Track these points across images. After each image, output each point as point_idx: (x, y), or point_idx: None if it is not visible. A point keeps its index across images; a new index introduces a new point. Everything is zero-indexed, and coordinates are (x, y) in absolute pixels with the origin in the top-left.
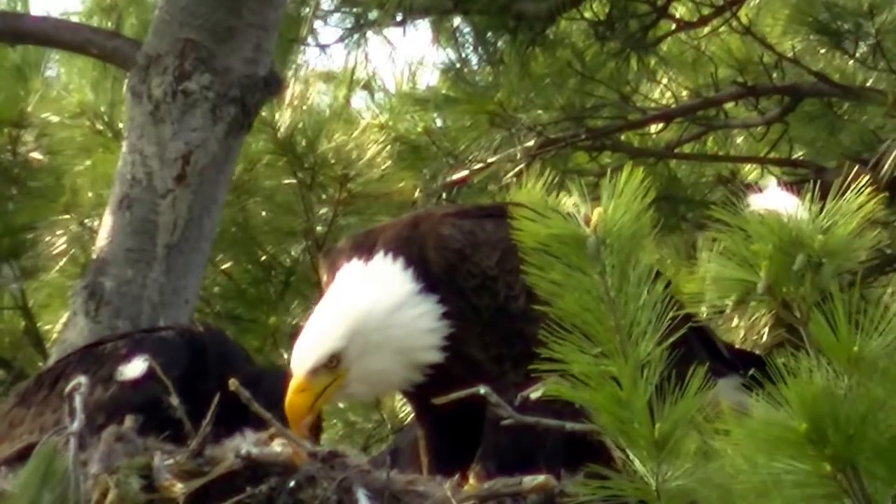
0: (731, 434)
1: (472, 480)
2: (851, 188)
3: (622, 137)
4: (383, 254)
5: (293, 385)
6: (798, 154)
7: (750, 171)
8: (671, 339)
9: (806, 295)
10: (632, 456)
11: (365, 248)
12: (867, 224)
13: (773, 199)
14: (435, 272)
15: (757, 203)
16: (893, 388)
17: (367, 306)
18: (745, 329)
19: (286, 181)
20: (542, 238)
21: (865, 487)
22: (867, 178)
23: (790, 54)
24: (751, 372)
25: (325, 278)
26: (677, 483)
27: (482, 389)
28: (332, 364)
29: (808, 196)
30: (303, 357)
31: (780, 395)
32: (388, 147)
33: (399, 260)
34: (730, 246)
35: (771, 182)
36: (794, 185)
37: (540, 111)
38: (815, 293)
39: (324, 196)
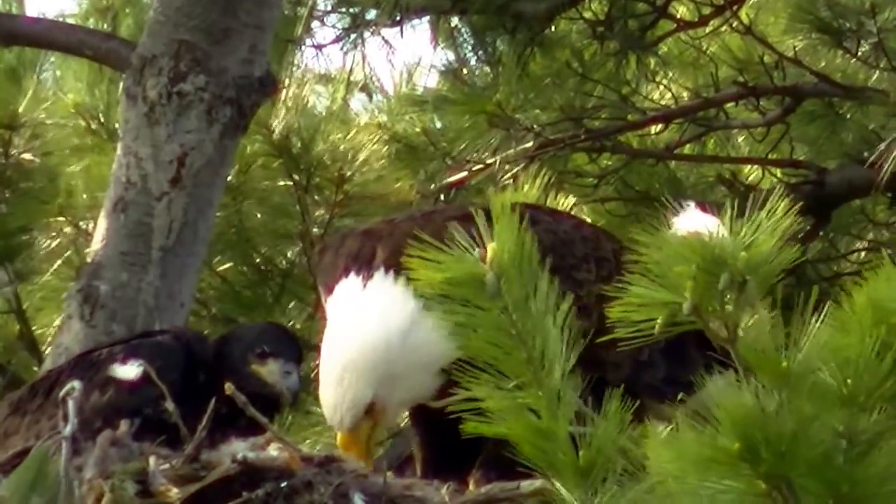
0: (660, 455)
1: (471, 487)
2: (769, 201)
3: (622, 138)
4: (384, 271)
5: (340, 444)
6: (799, 154)
7: (751, 172)
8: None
9: (732, 313)
10: (558, 485)
11: (363, 261)
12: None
13: (693, 220)
14: None
15: (677, 225)
16: (823, 404)
17: (381, 344)
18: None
19: (282, 183)
20: (439, 283)
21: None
22: (782, 188)
23: (791, 54)
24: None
25: (321, 281)
26: None
27: None
28: (369, 411)
29: (728, 215)
30: (338, 418)
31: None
32: (385, 148)
33: (401, 277)
34: (652, 267)
35: (689, 204)
36: (713, 205)
37: (538, 112)
38: (741, 311)
39: (319, 198)
